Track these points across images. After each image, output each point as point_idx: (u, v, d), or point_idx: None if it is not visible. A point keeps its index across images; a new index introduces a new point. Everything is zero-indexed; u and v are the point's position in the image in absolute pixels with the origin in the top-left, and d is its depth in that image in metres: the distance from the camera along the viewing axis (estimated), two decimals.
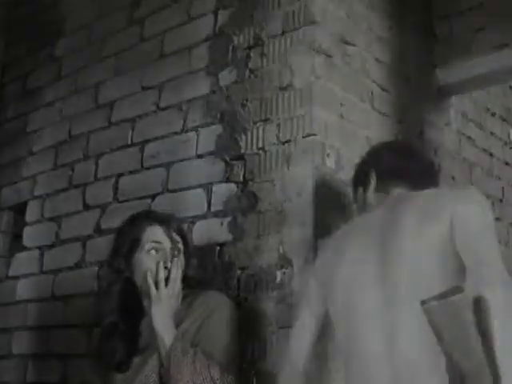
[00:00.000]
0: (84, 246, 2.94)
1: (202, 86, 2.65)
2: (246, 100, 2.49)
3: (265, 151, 2.38)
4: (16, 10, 3.77)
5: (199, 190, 2.53)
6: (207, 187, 2.51)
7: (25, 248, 3.27)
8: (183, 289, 1.88)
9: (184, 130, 2.67)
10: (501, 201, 3.49)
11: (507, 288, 1.49)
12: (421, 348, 1.55)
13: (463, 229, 1.57)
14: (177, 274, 1.84)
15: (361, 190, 1.93)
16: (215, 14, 2.70)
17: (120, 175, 2.88)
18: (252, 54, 2.52)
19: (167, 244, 1.93)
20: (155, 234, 1.94)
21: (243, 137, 2.45)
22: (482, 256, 1.54)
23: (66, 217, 3.08)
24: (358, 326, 1.69)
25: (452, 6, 3.03)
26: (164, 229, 1.95)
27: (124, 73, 3.02)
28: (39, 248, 3.17)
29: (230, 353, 1.85)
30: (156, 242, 1.93)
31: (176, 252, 1.92)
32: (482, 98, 3.45)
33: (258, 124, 2.42)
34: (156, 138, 2.77)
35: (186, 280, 1.93)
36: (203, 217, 2.48)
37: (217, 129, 2.55)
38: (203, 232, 2.46)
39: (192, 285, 1.99)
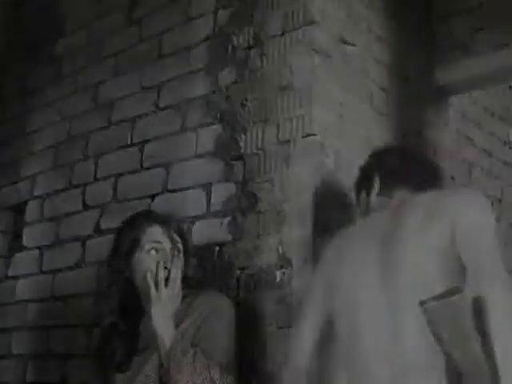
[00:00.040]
0: (83, 246, 2.94)
1: (202, 86, 2.65)
2: (246, 100, 2.49)
3: (264, 151, 2.38)
4: (16, 10, 3.76)
5: (199, 190, 2.53)
6: (207, 187, 2.51)
7: (24, 248, 3.27)
8: (183, 289, 1.88)
9: (183, 130, 2.67)
10: (500, 201, 3.49)
11: (507, 289, 1.49)
12: (422, 348, 1.56)
13: (464, 231, 1.58)
14: (177, 274, 1.84)
15: (364, 193, 1.94)
16: (215, 14, 2.70)
17: (119, 175, 2.88)
18: (251, 54, 2.52)
19: (167, 244, 1.93)
20: (155, 234, 1.94)
21: (243, 137, 2.45)
22: (482, 257, 1.55)
23: (66, 217, 3.09)
24: (360, 326, 1.69)
25: (452, 6, 3.03)
26: (164, 229, 1.95)
27: (123, 73, 3.02)
28: (39, 248, 3.17)
29: (229, 353, 1.85)
30: (156, 242, 1.93)
31: (176, 252, 1.92)
32: (481, 98, 3.46)
33: (257, 124, 2.42)
34: (155, 138, 2.77)
35: (185, 280, 1.93)
36: (203, 217, 2.48)
37: (216, 129, 2.55)
38: (203, 232, 2.46)
39: (192, 285, 1.98)
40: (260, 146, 2.39)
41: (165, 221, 1.99)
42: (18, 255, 3.30)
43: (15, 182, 3.43)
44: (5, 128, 3.63)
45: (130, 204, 2.76)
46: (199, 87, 2.66)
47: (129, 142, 2.89)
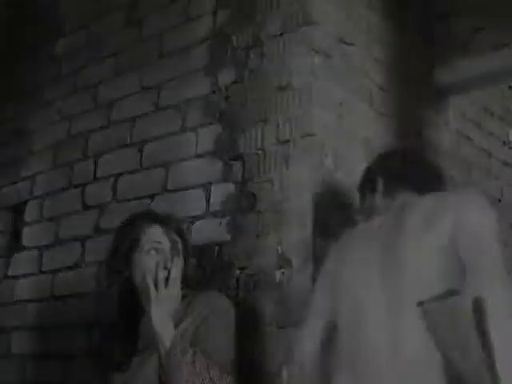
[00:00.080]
0: (83, 246, 2.94)
1: (201, 86, 2.65)
2: (245, 100, 2.49)
3: (264, 151, 2.38)
4: (16, 10, 3.76)
5: (198, 190, 2.53)
6: (206, 187, 2.51)
7: (24, 248, 3.27)
8: (182, 289, 1.88)
9: (183, 130, 2.67)
10: (499, 201, 3.49)
11: (506, 289, 1.50)
12: (423, 348, 1.56)
13: (465, 232, 1.59)
14: (176, 274, 1.84)
15: (367, 195, 1.95)
16: (214, 14, 2.70)
17: (119, 175, 2.88)
18: (251, 55, 2.52)
19: (166, 244, 1.93)
20: (155, 234, 1.94)
21: (242, 137, 2.45)
22: (482, 258, 1.55)
23: (65, 217, 3.09)
24: (362, 326, 1.70)
25: (451, 5, 3.03)
26: (163, 229, 1.95)
27: (123, 73, 3.02)
28: (38, 248, 3.17)
29: (229, 353, 1.85)
30: (155, 242, 1.93)
31: (175, 252, 1.92)
32: (480, 97, 3.46)
33: (257, 124, 2.42)
34: (155, 138, 2.77)
35: (185, 280, 1.93)
36: (202, 217, 2.49)
37: (216, 129, 2.55)
38: (202, 232, 2.46)
39: (191, 285, 1.98)
40: (259, 146, 2.39)
41: (164, 221, 1.99)
42: (17, 255, 3.30)
43: (15, 182, 3.43)
44: (4, 128, 3.63)
45: (130, 204, 2.76)
46: (199, 87, 2.66)
47: (128, 142, 2.89)
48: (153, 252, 1.91)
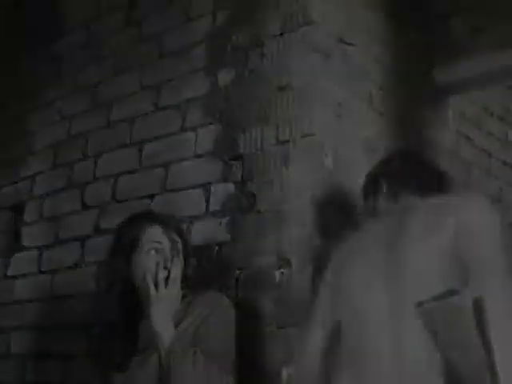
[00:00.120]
0: (83, 246, 2.94)
1: (201, 86, 2.65)
2: (245, 100, 2.49)
3: (263, 151, 2.38)
4: (16, 10, 3.76)
5: (198, 190, 2.53)
6: (206, 187, 2.51)
7: (23, 248, 3.27)
8: (182, 289, 1.88)
9: (183, 130, 2.67)
10: (499, 201, 3.49)
11: (507, 291, 1.50)
12: (425, 350, 1.56)
13: (466, 233, 1.59)
14: (176, 274, 1.84)
15: (371, 198, 1.96)
16: (214, 14, 2.70)
17: (119, 175, 2.88)
18: (251, 55, 2.52)
19: (166, 244, 1.93)
20: (155, 234, 1.94)
21: (242, 137, 2.45)
22: (483, 258, 1.56)
23: (65, 217, 3.09)
24: (365, 328, 1.70)
25: (451, 5, 3.02)
26: (163, 229, 1.95)
27: (123, 73, 3.02)
28: (38, 248, 3.17)
29: (229, 353, 1.85)
30: (155, 242, 1.93)
31: (175, 252, 1.92)
32: (480, 97, 3.45)
33: (256, 124, 2.42)
34: (155, 138, 2.77)
35: (185, 280, 1.93)
36: (202, 217, 2.48)
37: (215, 129, 2.55)
38: (202, 232, 2.46)
39: (191, 285, 1.98)
40: (259, 146, 2.39)
41: (164, 221, 1.99)
42: (16, 255, 3.30)
43: (14, 182, 3.43)
44: (4, 128, 3.63)
45: (130, 204, 2.76)
46: (198, 87, 2.66)
47: (128, 142, 2.89)
48: (153, 252, 1.91)
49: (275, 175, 2.31)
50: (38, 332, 3.04)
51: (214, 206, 2.45)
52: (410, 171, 1.91)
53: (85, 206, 3.00)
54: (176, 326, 1.83)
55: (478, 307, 1.47)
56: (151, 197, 2.69)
